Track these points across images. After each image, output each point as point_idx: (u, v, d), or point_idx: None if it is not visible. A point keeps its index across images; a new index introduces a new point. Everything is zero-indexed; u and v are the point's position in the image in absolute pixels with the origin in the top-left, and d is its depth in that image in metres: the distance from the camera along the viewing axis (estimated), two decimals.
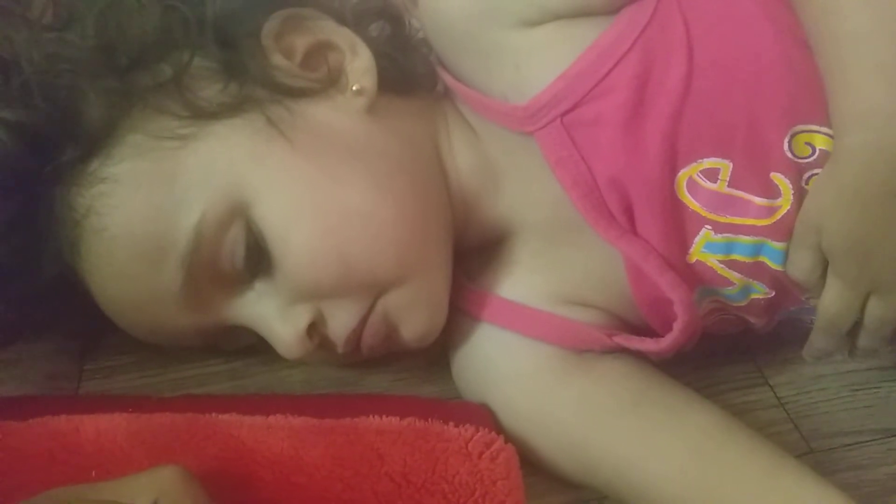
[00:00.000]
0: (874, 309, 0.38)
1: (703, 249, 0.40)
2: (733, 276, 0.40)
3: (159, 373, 0.45)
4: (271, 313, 0.39)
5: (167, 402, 0.40)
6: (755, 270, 0.40)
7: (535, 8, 0.38)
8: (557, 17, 0.38)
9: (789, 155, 0.38)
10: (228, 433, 0.37)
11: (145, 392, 0.44)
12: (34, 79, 0.36)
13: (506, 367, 0.42)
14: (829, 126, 0.36)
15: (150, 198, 0.36)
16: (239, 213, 0.37)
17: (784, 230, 0.38)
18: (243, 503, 0.34)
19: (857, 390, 0.45)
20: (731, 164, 0.38)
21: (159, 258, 0.36)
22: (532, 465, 0.40)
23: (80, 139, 0.36)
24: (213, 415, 0.38)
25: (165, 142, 0.36)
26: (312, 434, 0.37)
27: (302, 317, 0.38)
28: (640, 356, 0.42)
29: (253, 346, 0.42)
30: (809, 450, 0.42)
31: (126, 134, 0.36)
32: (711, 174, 0.38)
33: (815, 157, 0.37)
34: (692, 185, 0.38)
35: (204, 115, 0.37)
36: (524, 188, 0.42)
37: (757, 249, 0.39)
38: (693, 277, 0.40)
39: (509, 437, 0.39)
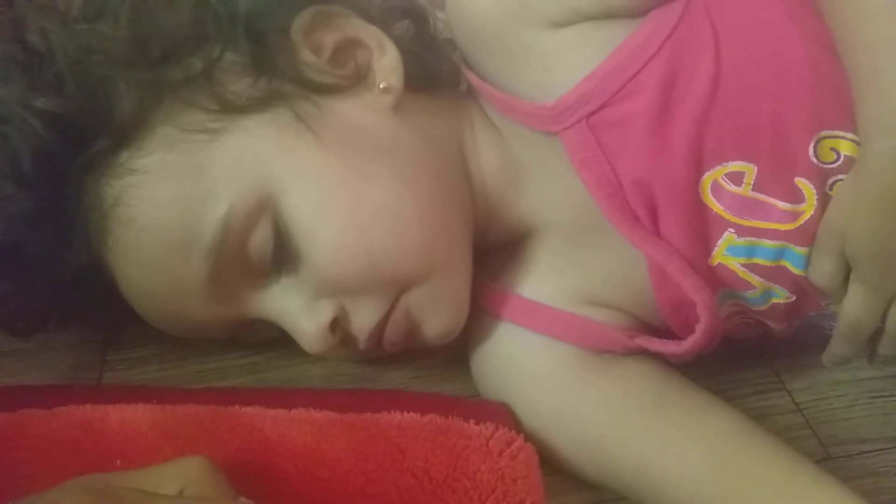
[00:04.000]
0: None
1: (726, 252, 0.40)
2: (755, 279, 0.40)
3: (180, 365, 0.45)
4: (296, 308, 0.39)
5: (191, 394, 0.40)
6: (777, 274, 0.40)
7: (563, 9, 0.38)
8: (586, 18, 0.38)
9: (814, 160, 0.38)
10: (252, 426, 0.37)
11: (166, 384, 0.44)
12: (67, 69, 0.36)
13: (526, 365, 0.42)
14: (855, 132, 0.37)
15: (178, 190, 0.36)
16: (267, 207, 0.37)
17: (807, 235, 0.38)
18: (266, 495, 0.34)
19: (875, 397, 0.45)
20: (755, 168, 0.38)
21: (186, 250, 0.37)
22: (551, 465, 0.40)
23: (111, 130, 0.36)
24: (237, 407, 0.38)
25: (195, 135, 0.37)
26: (335, 428, 0.38)
27: (325, 312, 0.38)
28: (659, 358, 0.42)
29: (274, 339, 0.42)
30: (827, 456, 0.42)
31: (156, 126, 0.37)
32: (736, 177, 0.38)
33: (839, 162, 0.38)
34: (716, 188, 0.39)
35: (233, 109, 0.37)
36: (548, 188, 0.42)
37: (779, 254, 0.39)
38: (715, 280, 0.41)
39: (529, 436, 0.39)
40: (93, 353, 0.45)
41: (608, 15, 0.39)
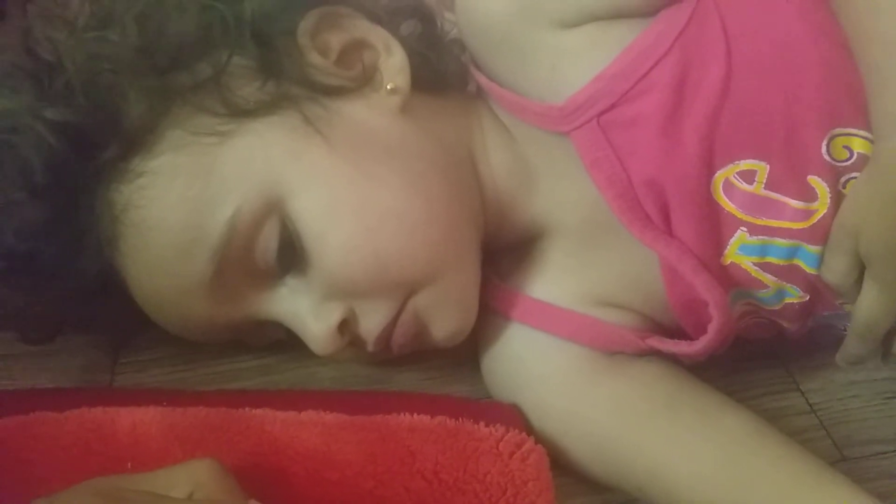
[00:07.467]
0: None
1: (738, 251, 0.39)
2: (767, 278, 0.40)
3: (191, 367, 0.45)
4: (304, 310, 0.39)
5: (201, 396, 0.40)
6: (789, 273, 0.40)
7: (573, 9, 0.38)
8: (595, 18, 0.38)
9: (827, 158, 0.37)
10: (262, 428, 0.38)
11: (177, 386, 0.44)
12: (76, 79, 0.36)
13: (536, 367, 0.42)
14: (868, 129, 0.36)
15: (186, 190, 0.36)
16: (274, 210, 0.37)
17: (820, 234, 0.38)
18: (276, 498, 0.34)
19: (890, 398, 0.45)
20: (768, 166, 0.38)
21: (191, 250, 0.37)
22: (562, 467, 0.40)
23: (121, 138, 0.36)
24: (247, 409, 0.39)
25: (204, 137, 0.37)
26: (345, 430, 0.38)
27: (334, 314, 0.38)
28: (671, 359, 0.42)
29: (283, 341, 0.42)
30: (842, 457, 0.42)
31: (166, 130, 0.37)
32: (748, 176, 0.38)
33: (852, 160, 0.37)
34: (728, 187, 0.38)
35: (242, 112, 0.37)
36: (559, 189, 0.42)
37: (792, 252, 0.39)
38: (727, 279, 0.40)
39: (539, 438, 0.39)
40: (104, 355, 0.45)
41: (618, 15, 0.38)
